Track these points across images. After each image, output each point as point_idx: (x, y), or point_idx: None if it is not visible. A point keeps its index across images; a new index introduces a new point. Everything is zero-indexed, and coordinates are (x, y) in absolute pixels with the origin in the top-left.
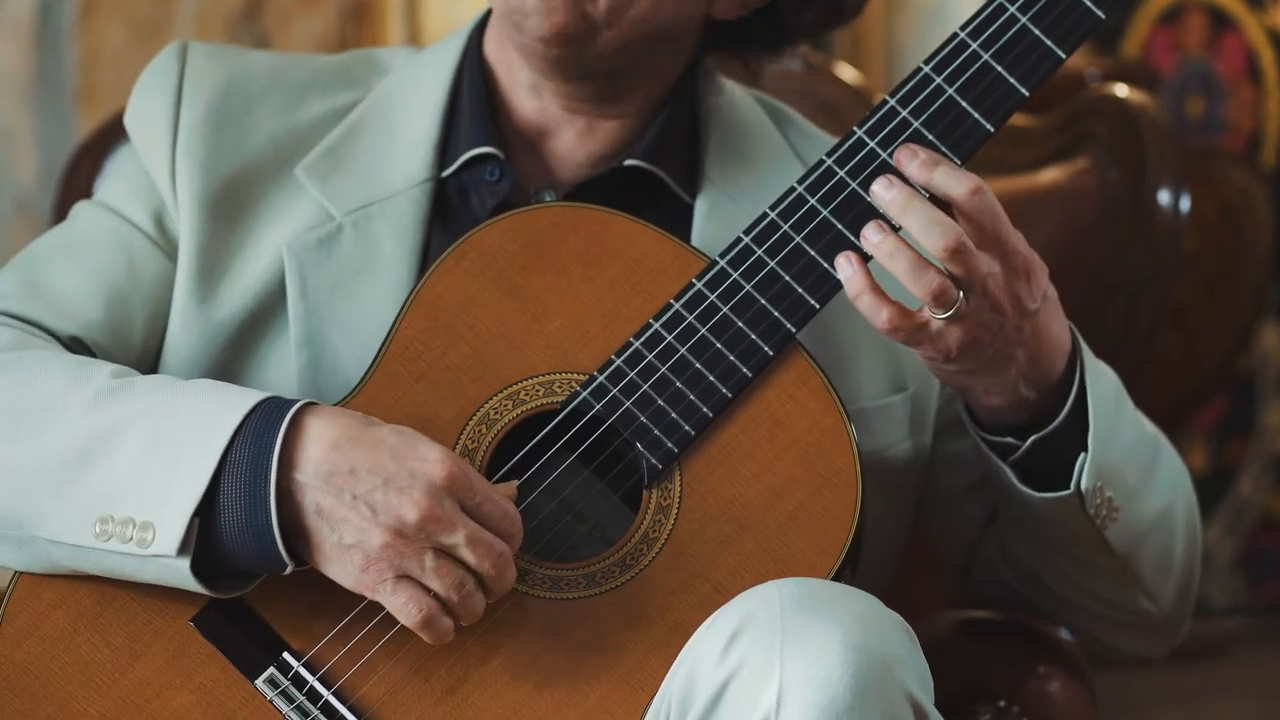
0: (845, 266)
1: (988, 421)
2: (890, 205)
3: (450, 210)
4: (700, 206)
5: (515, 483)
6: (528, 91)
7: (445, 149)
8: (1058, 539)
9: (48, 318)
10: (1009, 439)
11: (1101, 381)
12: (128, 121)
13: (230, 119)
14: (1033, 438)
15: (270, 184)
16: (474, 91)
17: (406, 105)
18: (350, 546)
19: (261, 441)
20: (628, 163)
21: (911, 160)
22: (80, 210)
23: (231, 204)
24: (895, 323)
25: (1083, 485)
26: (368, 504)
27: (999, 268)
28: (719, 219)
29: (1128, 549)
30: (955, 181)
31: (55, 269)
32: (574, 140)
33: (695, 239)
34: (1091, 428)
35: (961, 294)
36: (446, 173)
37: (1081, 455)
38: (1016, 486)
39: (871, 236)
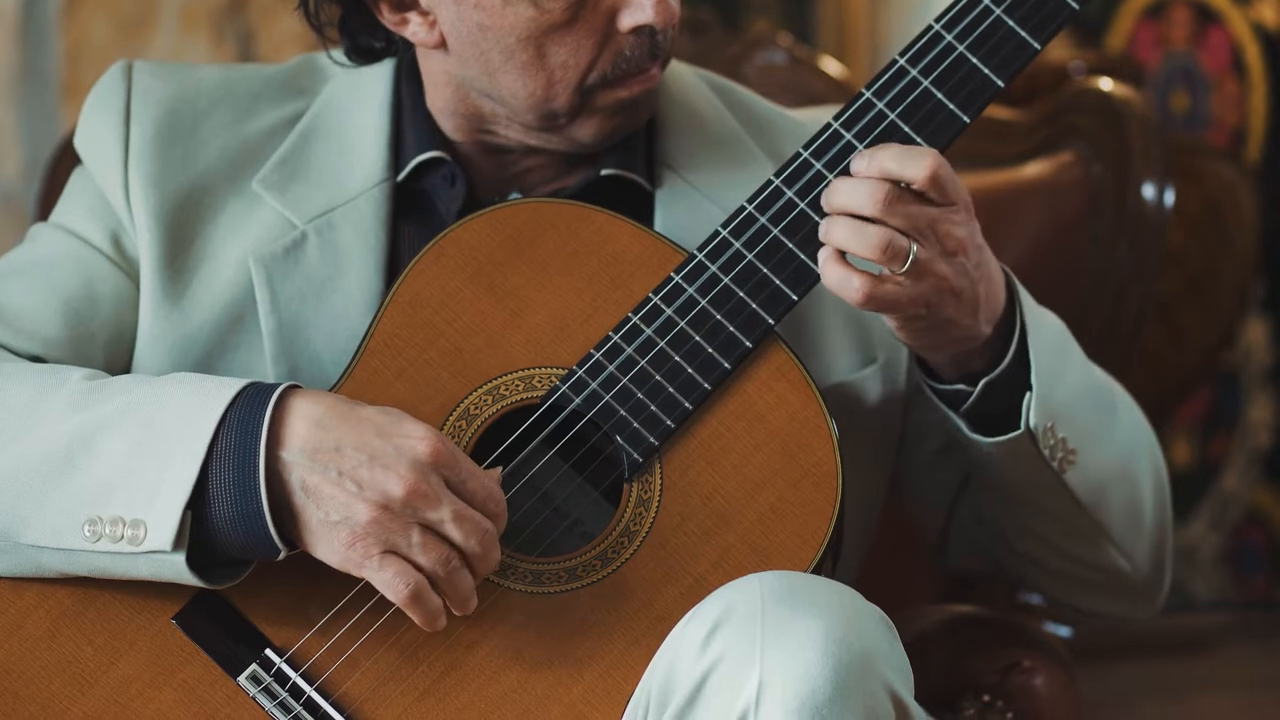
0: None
1: (946, 374)
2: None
3: (417, 208)
4: (661, 194)
5: (500, 469)
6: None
7: (398, 149)
8: (1021, 489)
9: (8, 337)
10: (960, 386)
11: (1044, 324)
12: (78, 143)
13: (180, 134)
14: (984, 380)
15: (227, 196)
16: (412, 94)
17: (354, 108)
18: (336, 523)
19: (247, 428)
20: (604, 173)
21: (860, 160)
22: (38, 231)
23: (189, 218)
24: (868, 290)
25: (1031, 422)
26: (353, 480)
27: (947, 210)
28: (681, 206)
29: (1092, 497)
30: (908, 163)
31: (14, 289)
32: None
33: (659, 225)
34: (1033, 364)
35: (914, 244)
36: (401, 176)
37: (1027, 394)
38: (969, 436)
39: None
